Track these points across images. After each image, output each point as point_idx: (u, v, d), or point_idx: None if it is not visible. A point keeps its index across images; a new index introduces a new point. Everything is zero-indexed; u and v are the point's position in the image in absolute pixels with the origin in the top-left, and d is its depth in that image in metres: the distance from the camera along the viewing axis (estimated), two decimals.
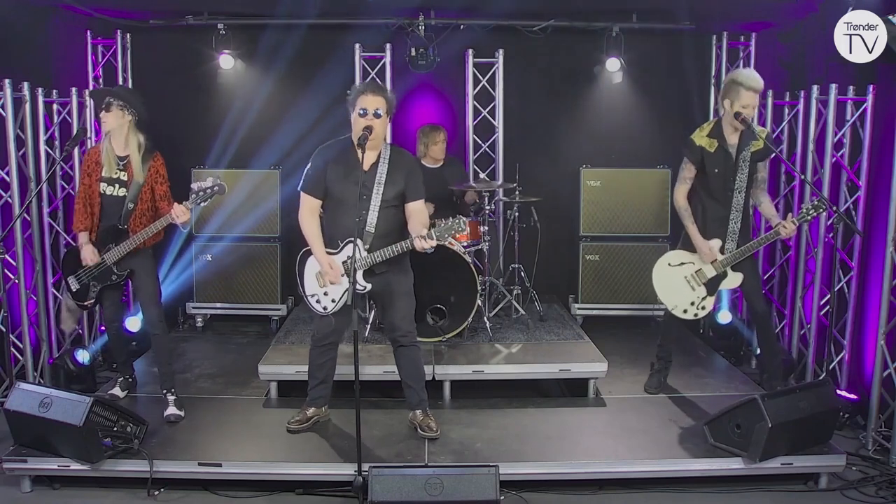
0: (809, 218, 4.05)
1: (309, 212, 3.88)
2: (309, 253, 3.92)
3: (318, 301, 3.93)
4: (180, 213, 3.94)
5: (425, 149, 5.61)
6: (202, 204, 3.99)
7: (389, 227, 3.81)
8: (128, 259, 4.15)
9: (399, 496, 3.44)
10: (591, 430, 4.17)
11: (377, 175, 3.79)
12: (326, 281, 3.85)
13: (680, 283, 4.35)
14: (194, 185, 3.96)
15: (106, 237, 4.12)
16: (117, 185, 4.10)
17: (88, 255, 4.13)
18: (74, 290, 4.26)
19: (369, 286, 3.85)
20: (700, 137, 4.23)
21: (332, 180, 3.81)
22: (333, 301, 3.89)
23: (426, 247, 3.65)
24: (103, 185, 4.09)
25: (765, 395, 3.74)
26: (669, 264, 4.40)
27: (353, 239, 3.73)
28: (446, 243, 4.89)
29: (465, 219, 3.64)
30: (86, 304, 4.29)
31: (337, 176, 3.80)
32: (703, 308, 4.34)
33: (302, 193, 3.89)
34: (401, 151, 3.95)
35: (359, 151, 3.65)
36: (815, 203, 3.99)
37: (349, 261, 3.77)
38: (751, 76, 4.08)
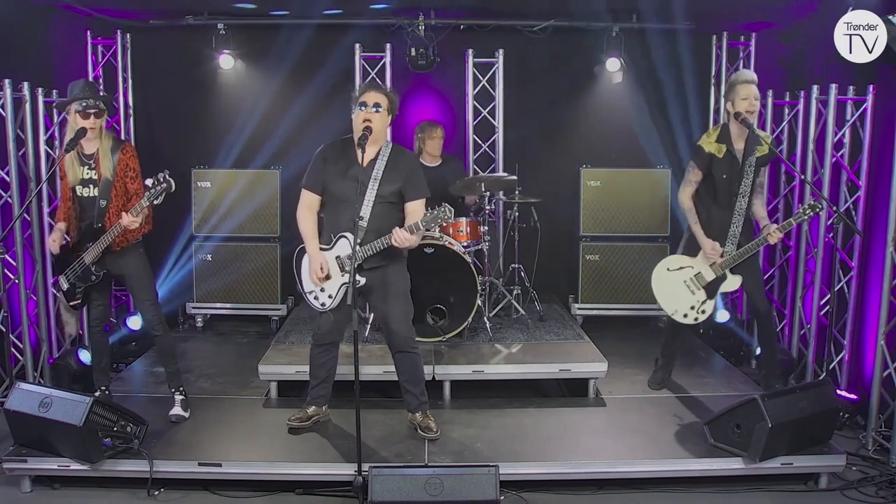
0: (806, 218, 4.05)
1: (306, 208, 3.90)
2: (305, 250, 3.93)
3: (315, 297, 3.93)
4: (128, 223, 3.85)
5: (421, 144, 5.61)
6: (156, 202, 3.83)
7: (383, 224, 3.79)
8: (110, 259, 4.07)
9: (399, 496, 3.44)
10: (591, 430, 4.17)
11: (374, 171, 3.80)
12: (314, 278, 3.86)
13: (679, 288, 4.35)
14: (148, 182, 3.84)
15: (85, 237, 4.04)
16: (91, 186, 4.02)
17: (51, 238, 4.12)
18: (65, 290, 4.20)
19: (363, 281, 3.83)
20: (709, 143, 4.22)
21: (330, 177, 3.82)
22: (331, 297, 3.89)
23: (405, 240, 3.64)
24: (79, 188, 4.02)
25: (765, 395, 3.73)
26: (668, 269, 4.40)
27: (345, 234, 3.76)
28: (446, 243, 4.91)
29: (449, 207, 3.62)
30: (72, 303, 4.20)
31: (336, 173, 3.82)
32: (704, 312, 4.33)
33: (302, 189, 3.91)
34: (402, 150, 3.95)
35: (358, 151, 3.67)
36: (812, 204, 3.99)
37: (342, 257, 3.80)
38: (743, 71, 4.25)
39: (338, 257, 3.85)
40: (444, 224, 3.96)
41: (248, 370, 4.83)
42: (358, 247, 3.72)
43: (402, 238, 3.65)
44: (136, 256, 4.17)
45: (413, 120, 6.34)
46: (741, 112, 4.06)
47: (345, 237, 3.79)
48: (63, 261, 4.17)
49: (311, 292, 3.94)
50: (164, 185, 3.79)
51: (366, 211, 3.77)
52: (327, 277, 3.86)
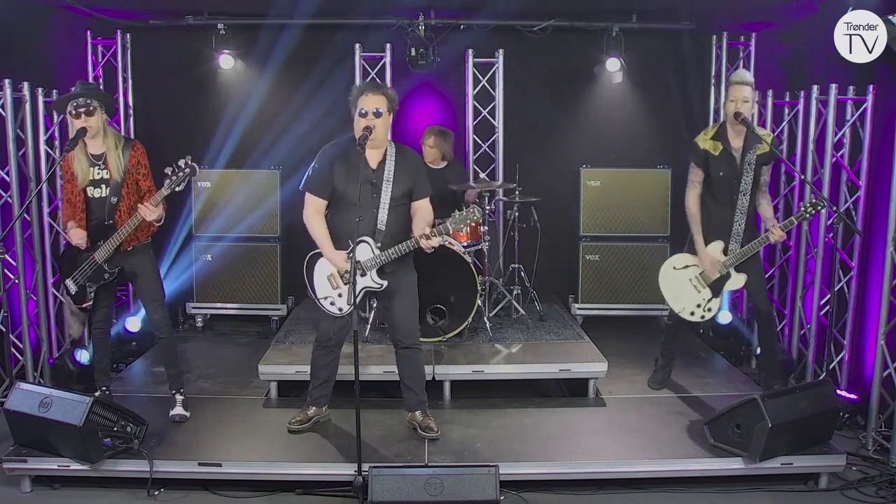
0: (808, 216, 4.05)
1: (315, 212, 3.85)
2: (317, 255, 3.90)
3: (332, 303, 3.90)
4: (147, 213, 3.86)
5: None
6: (178, 188, 3.85)
7: (399, 226, 3.82)
8: (121, 258, 4.06)
9: (399, 496, 3.44)
10: (591, 430, 4.17)
11: (385, 173, 3.79)
12: (346, 276, 3.81)
13: (685, 286, 4.37)
14: (167, 170, 3.85)
15: (95, 235, 4.02)
16: (103, 186, 3.99)
17: (75, 236, 3.96)
18: (74, 293, 4.16)
19: (385, 283, 3.84)
20: (704, 140, 4.24)
21: (339, 180, 3.78)
22: (350, 303, 3.87)
23: (432, 244, 3.67)
24: (89, 189, 4.00)
25: (765, 394, 3.74)
26: (674, 268, 4.41)
27: (365, 238, 3.75)
28: (446, 243, 4.91)
29: (478, 208, 3.69)
30: (84, 306, 4.18)
31: (344, 175, 3.78)
32: (710, 310, 4.35)
33: (307, 194, 3.86)
34: (405, 149, 3.95)
35: (359, 150, 3.65)
36: (813, 202, 4.00)
37: (363, 262, 3.80)
38: (738, 71, 4.25)
39: (358, 262, 3.80)
40: (473, 224, 3.96)
41: (248, 370, 4.83)
42: (379, 251, 3.76)
43: (429, 243, 3.67)
44: (147, 257, 4.17)
45: (413, 120, 6.34)
46: (740, 112, 4.06)
47: (365, 241, 3.77)
48: (69, 263, 4.14)
49: (326, 297, 3.91)
50: (188, 170, 3.81)
51: (383, 214, 3.77)
52: (346, 282, 3.84)
